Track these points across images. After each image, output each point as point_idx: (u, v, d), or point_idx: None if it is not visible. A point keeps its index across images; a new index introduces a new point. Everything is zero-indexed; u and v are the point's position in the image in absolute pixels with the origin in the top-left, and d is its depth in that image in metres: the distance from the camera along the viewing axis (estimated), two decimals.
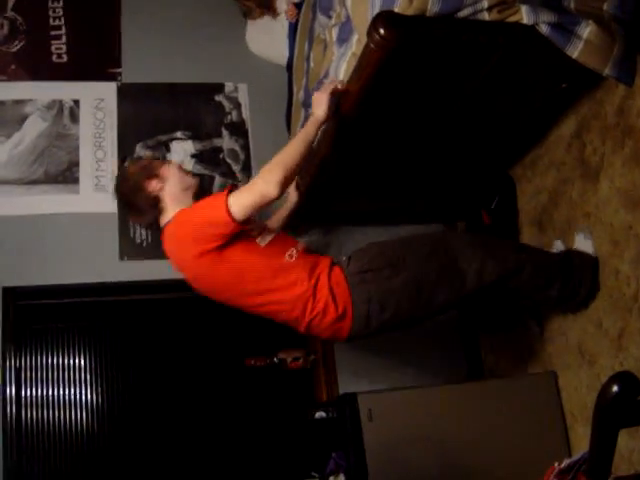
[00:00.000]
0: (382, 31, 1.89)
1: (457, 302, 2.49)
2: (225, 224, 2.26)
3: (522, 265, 2.42)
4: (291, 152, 2.29)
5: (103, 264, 3.15)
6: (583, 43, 2.06)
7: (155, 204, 2.48)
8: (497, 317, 3.17)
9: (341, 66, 2.35)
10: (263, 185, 2.25)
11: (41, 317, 3.15)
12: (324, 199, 2.97)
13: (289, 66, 3.25)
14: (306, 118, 2.72)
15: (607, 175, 2.47)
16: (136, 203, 2.52)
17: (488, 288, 2.42)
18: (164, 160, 3.01)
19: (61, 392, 3.07)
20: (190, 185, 2.54)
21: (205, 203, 2.38)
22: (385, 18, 1.92)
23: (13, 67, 3.40)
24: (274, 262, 2.39)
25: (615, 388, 1.27)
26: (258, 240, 2.40)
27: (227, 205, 2.24)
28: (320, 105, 2.27)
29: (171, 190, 2.48)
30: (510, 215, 3.02)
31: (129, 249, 3.19)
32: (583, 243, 2.55)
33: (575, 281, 2.50)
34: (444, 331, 3.36)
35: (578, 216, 2.63)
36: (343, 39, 2.41)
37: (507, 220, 3.02)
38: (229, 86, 3.49)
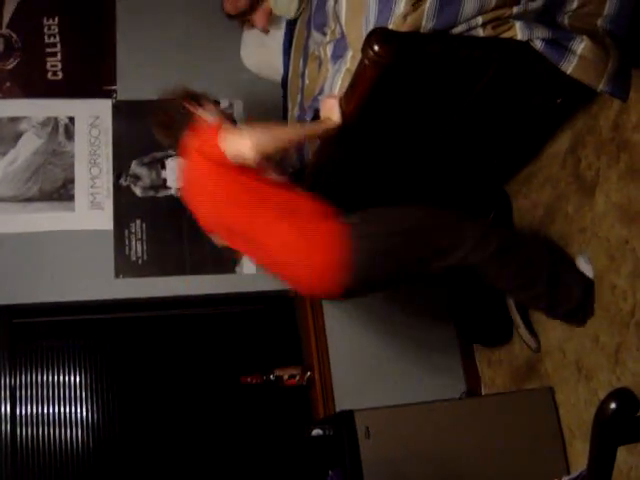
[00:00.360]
0: (376, 48, 1.90)
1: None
2: None
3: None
4: (291, 138, 2.37)
5: (99, 282, 3.14)
6: (577, 59, 2.07)
7: None
8: (494, 331, 3.16)
9: (336, 82, 2.35)
10: (248, 150, 2.25)
11: (37, 334, 3.14)
12: None
13: (284, 83, 3.26)
14: None
15: (603, 190, 2.47)
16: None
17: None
18: None
19: (56, 410, 3.05)
20: None
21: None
22: (379, 35, 1.93)
23: (8, 84, 3.40)
24: None
25: (613, 405, 1.26)
26: None
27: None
28: (333, 111, 2.26)
29: None
30: (505, 228, 3.02)
31: (125, 267, 3.18)
32: (584, 266, 2.54)
33: (563, 286, 2.48)
34: (441, 346, 3.36)
35: (574, 231, 2.63)
36: (338, 55, 2.41)
37: None
38: (224, 102, 3.49)
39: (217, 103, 2.84)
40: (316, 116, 2.46)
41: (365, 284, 2.42)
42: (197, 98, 2.57)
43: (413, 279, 2.63)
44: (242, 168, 2.30)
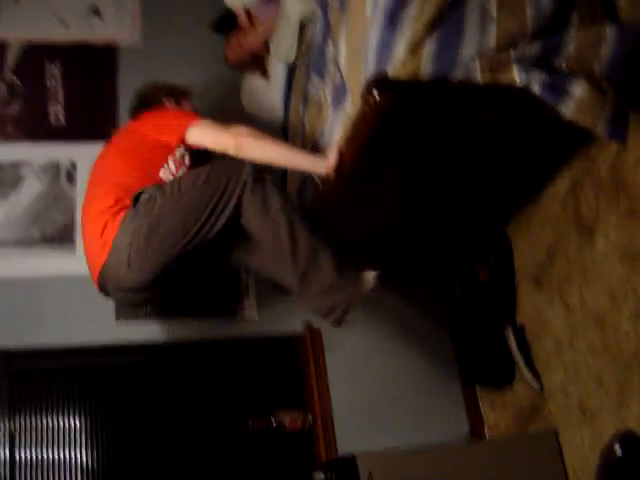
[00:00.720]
0: (376, 95, 1.92)
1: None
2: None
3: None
4: (280, 161, 2.46)
5: (99, 325, 3.13)
6: (575, 102, 2.08)
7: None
8: (496, 372, 3.15)
9: (336, 128, 2.38)
10: (231, 148, 2.39)
11: (36, 378, 3.11)
12: None
13: (284, 128, 3.27)
14: (303, 180, 2.75)
15: (602, 230, 2.48)
16: None
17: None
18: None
19: (55, 454, 3.01)
20: None
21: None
22: (379, 82, 1.95)
23: (10, 129, 3.43)
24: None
25: (618, 450, 1.26)
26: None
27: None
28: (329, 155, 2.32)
29: None
30: (507, 272, 3.02)
31: (125, 310, 3.17)
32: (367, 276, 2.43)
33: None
34: (444, 387, 3.34)
35: (575, 272, 2.63)
36: (338, 100, 2.44)
37: (504, 277, 3.02)
38: None
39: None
40: None
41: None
42: (177, 95, 2.83)
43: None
44: (163, 146, 2.49)
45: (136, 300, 2.75)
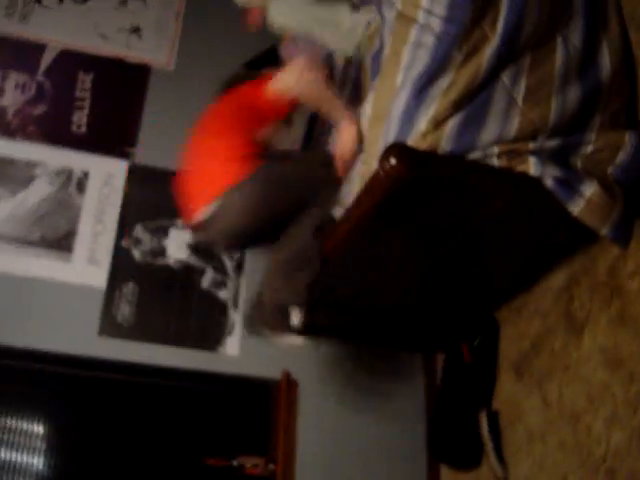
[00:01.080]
0: (394, 162, 1.94)
1: None
2: None
3: None
4: (321, 97, 2.56)
5: (81, 337, 3.13)
6: (585, 202, 2.11)
7: None
8: (463, 454, 3.13)
9: (353, 184, 2.40)
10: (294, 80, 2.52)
11: (6, 378, 3.09)
12: None
13: None
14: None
15: (591, 332, 2.49)
16: None
17: None
18: None
19: (8, 456, 2.97)
20: None
21: None
22: (399, 150, 1.98)
23: (32, 128, 3.48)
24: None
25: None
26: None
27: None
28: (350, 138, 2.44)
29: None
30: (490, 356, 3.02)
31: (109, 326, 3.18)
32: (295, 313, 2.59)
33: None
34: (410, 456, 3.32)
35: (557, 368, 2.63)
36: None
37: (487, 361, 3.02)
38: None
39: None
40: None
41: None
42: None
43: None
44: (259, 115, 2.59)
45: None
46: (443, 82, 2.07)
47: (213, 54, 3.85)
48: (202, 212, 2.51)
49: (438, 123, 2.04)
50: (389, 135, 2.15)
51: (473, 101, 2.07)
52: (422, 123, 2.06)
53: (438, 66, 2.07)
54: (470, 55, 2.06)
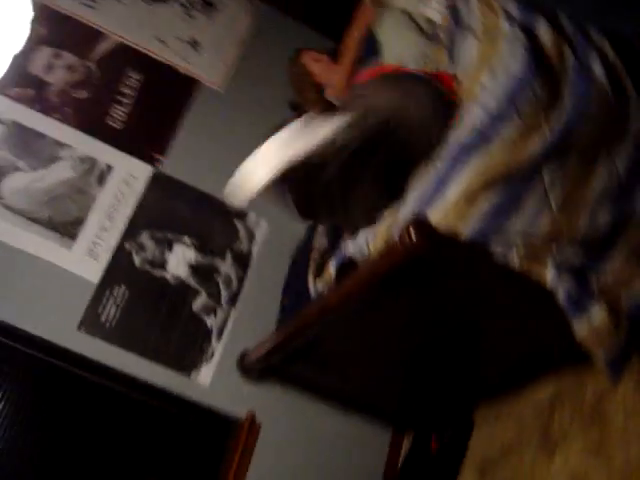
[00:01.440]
0: (415, 239, 1.92)
1: None
2: None
3: None
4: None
5: (59, 325, 3.09)
6: (590, 325, 2.08)
7: None
8: None
9: (361, 247, 2.38)
10: None
11: None
12: (292, 357, 2.92)
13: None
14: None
15: (564, 454, 2.44)
16: None
17: None
18: None
19: None
20: None
21: None
22: (421, 227, 1.95)
23: (69, 110, 3.49)
24: None
25: None
26: None
27: None
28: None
29: None
30: (457, 453, 2.97)
31: (91, 323, 3.13)
32: None
33: None
34: None
35: None
36: None
37: (453, 455, 2.97)
38: (252, 217, 3.54)
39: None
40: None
41: None
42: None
43: None
44: None
45: None
46: (481, 155, 2.03)
47: (267, 89, 3.87)
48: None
49: (470, 199, 2.00)
50: (412, 204, 2.12)
51: (510, 186, 2.03)
52: (452, 195, 2.02)
53: (483, 139, 2.05)
54: (519, 140, 2.04)
